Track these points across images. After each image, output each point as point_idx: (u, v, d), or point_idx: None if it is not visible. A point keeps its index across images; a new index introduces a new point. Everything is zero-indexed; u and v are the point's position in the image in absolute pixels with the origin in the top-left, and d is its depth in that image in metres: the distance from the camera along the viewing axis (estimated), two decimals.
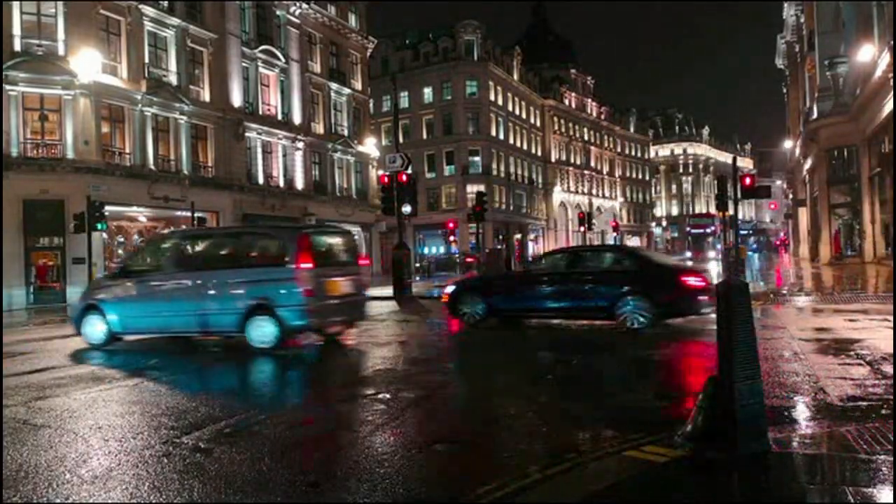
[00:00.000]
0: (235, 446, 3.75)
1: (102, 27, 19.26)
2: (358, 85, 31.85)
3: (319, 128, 28.77)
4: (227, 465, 3.43)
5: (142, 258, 8.93)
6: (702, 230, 61.28)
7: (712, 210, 48.18)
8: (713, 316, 4.12)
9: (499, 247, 40.76)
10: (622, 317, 7.80)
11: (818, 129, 20.86)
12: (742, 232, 63.14)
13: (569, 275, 8.49)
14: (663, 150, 79.91)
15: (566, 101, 57.85)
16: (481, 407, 4.76)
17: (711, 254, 42.52)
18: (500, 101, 46.74)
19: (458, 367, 6.40)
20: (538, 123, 54.28)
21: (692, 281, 7.95)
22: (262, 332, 7.03)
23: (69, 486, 3.17)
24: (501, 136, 47.07)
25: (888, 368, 5.28)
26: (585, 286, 8.22)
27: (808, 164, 25.65)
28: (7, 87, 16.92)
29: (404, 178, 15.89)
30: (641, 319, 7.71)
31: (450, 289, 9.54)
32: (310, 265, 6.91)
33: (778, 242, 49.12)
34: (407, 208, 16.25)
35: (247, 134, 24.23)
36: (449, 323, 9.51)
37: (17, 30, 17.60)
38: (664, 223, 77.68)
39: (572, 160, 59.07)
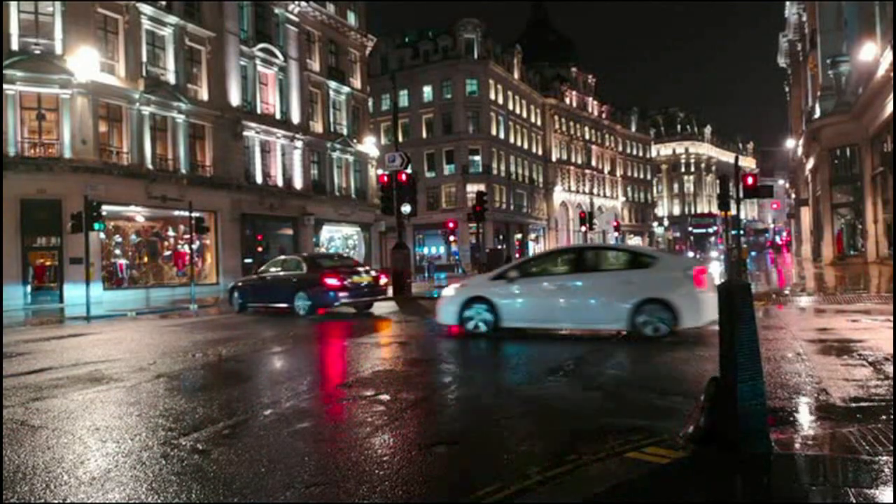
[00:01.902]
0: (234, 448, 3.73)
1: (100, 26, 19.23)
2: (357, 83, 31.81)
3: (318, 127, 28.73)
4: (225, 467, 3.41)
5: None
6: (704, 230, 61.31)
7: (714, 210, 48.18)
8: None
9: (499, 247, 40.78)
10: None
11: (820, 129, 20.81)
12: (732, 232, 63.15)
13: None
14: (665, 150, 79.88)
15: (567, 100, 57.79)
16: (481, 408, 4.74)
17: (714, 253, 42.50)
18: (500, 100, 46.69)
19: (459, 368, 6.38)
20: (539, 122, 54.22)
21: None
22: None
23: (67, 488, 3.15)
24: (502, 136, 47.02)
25: (890, 369, 5.25)
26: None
27: (810, 163, 25.61)
28: (4, 85, 16.89)
29: (404, 177, 15.87)
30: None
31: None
32: None
33: (782, 242, 49.02)
34: (406, 208, 16.23)
35: (245, 133, 24.20)
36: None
37: (14, 28, 17.58)
38: (666, 223, 77.67)
39: (573, 159, 59.03)
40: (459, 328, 8.13)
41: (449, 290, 8.66)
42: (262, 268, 14.06)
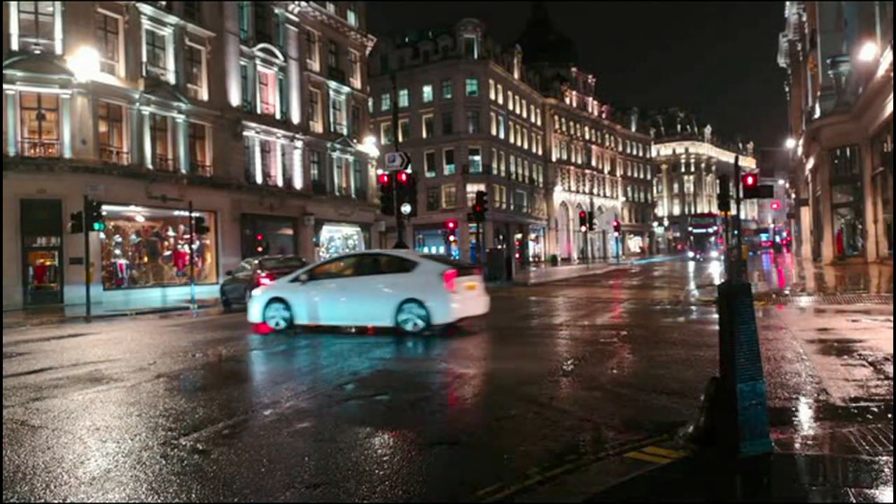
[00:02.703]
0: (234, 448, 3.73)
1: (100, 26, 19.22)
2: (357, 83, 31.80)
3: (318, 127, 28.72)
4: (225, 467, 3.41)
5: None
6: (704, 230, 61.33)
7: (714, 210, 48.12)
8: None
9: (499, 247, 40.76)
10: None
11: (820, 129, 20.81)
12: (700, 230, 62.29)
13: None
14: (665, 150, 79.87)
15: (567, 100, 57.78)
16: (481, 408, 4.74)
17: (714, 253, 42.48)
18: (500, 100, 46.68)
19: (459, 368, 6.38)
20: (539, 122, 54.21)
21: None
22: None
23: (67, 488, 3.15)
24: (502, 135, 47.02)
25: (890, 369, 5.25)
26: None
27: (810, 163, 25.60)
28: (5, 85, 16.87)
29: (404, 177, 15.85)
30: None
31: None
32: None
33: (782, 242, 48.92)
34: (406, 208, 16.22)
35: (245, 133, 24.19)
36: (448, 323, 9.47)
37: (14, 28, 17.57)
38: (666, 223, 77.67)
39: (573, 159, 59.01)
40: (265, 325, 9.07)
41: (257, 292, 9.67)
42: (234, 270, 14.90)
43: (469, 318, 8.77)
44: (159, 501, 2.96)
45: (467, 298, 8.56)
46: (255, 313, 9.19)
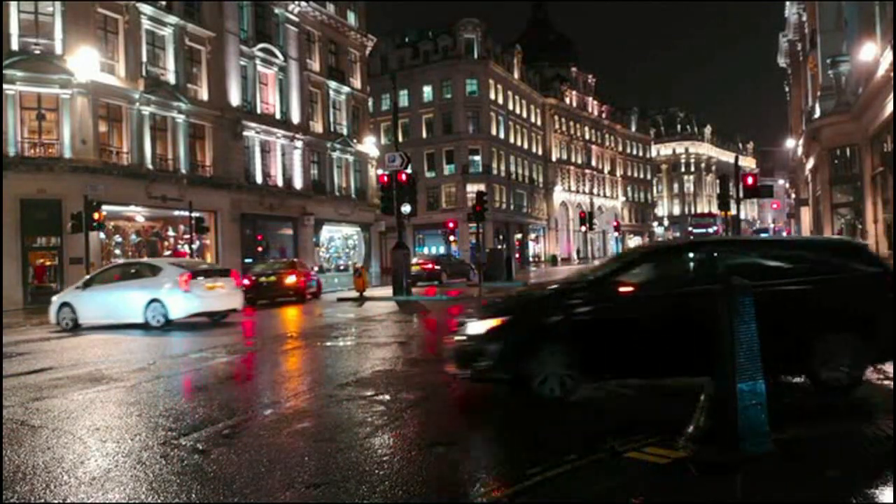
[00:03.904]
0: (234, 448, 3.73)
1: (100, 26, 19.22)
2: (357, 83, 31.80)
3: (318, 127, 28.72)
4: (225, 467, 3.41)
5: None
6: (704, 230, 61.33)
7: (714, 210, 48.16)
8: None
9: (499, 247, 40.73)
10: None
11: (820, 129, 20.79)
12: (700, 230, 62.41)
13: None
14: (665, 150, 79.84)
15: (567, 100, 57.77)
16: (482, 408, 4.74)
17: None
18: (500, 100, 46.67)
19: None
20: (539, 122, 54.20)
21: None
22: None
23: (67, 488, 3.14)
24: (502, 135, 47.01)
25: (890, 369, 5.26)
26: None
27: (810, 163, 25.60)
28: (5, 85, 16.88)
29: (404, 177, 15.86)
30: None
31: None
32: None
33: None
34: (406, 208, 16.22)
35: (245, 133, 24.19)
36: (449, 323, 9.48)
37: (14, 28, 17.57)
38: (666, 223, 77.62)
39: (573, 159, 59.01)
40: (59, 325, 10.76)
41: (55, 297, 11.35)
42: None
43: (212, 312, 10.81)
44: (159, 501, 2.96)
45: (208, 297, 10.50)
46: (52, 315, 10.86)
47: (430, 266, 22.82)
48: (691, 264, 4.81)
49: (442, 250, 38.83)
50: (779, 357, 4.28)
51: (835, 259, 4.91)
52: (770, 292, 4.38)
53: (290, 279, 15.67)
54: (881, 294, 4.61)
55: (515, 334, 4.44)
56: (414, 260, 21.38)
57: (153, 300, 10.03)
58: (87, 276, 11.65)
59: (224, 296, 10.86)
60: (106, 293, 10.55)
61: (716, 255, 4.78)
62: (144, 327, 10.07)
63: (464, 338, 4.66)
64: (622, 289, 4.52)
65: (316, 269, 23.29)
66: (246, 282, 15.12)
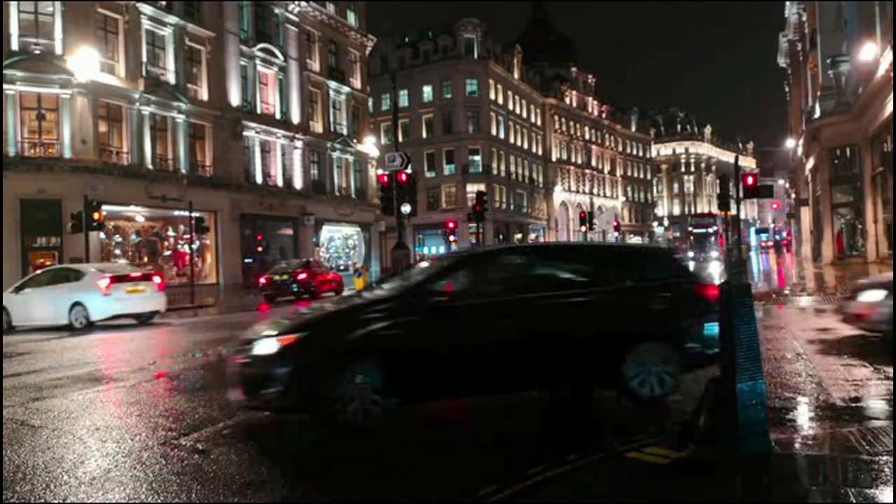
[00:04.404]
0: (234, 448, 3.73)
1: (100, 26, 19.22)
2: (357, 83, 31.80)
3: (318, 127, 28.72)
4: (225, 467, 3.40)
5: None
6: (704, 230, 61.32)
7: (714, 210, 48.18)
8: None
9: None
10: None
11: (820, 129, 20.78)
12: (700, 230, 61.97)
13: None
14: (665, 150, 79.81)
15: (567, 100, 57.75)
16: (482, 408, 4.74)
17: (714, 253, 42.51)
18: (500, 100, 46.66)
19: None
20: (539, 122, 54.19)
21: None
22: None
23: (67, 488, 3.14)
24: (502, 135, 47.00)
25: (889, 369, 5.25)
26: None
27: (810, 163, 25.58)
28: (5, 85, 16.88)
29: (404, 177, 15.86)
30: None
31: None
32: None
33: (783, 242, 48.81)
34: (406, 208, 16.22)
35: (245, 133, 24.19)
36: None
37: (14, 28, 17.58)
38: (666, 223, 77.61)
39: (573, 159, 59.00)
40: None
41: None
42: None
43: (133, 314, 11.41)
44: (159, 501, 2.96)
45: (129, 300, 11.17)
46: None
47: None
48: (509, 271, 4.62)
49: (442, 250, 38.83)
50: (588, 369, 4.24)
51: (645, 266, 4.91)
52: (577, 301, 4.35)
53: (301, 276, 17.00)
54: (690, 302, 4.57)
55: (312, 353, 3.78)
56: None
57: (76, 303, 10.73)
58: (20, 281, 12.44)
59: (146, 298, 11.57)
60: (35, 296, 11.27)
61: (529, 261, 4.77)
62: (68, 329, 10.64)
63: (250, 359, 3.92)
64: (437, 298, 4.10)
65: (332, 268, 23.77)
66: (262, 280, 17.63)
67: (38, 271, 13.81)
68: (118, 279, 11.04)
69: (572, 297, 4.41)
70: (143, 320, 11.63)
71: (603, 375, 4.31)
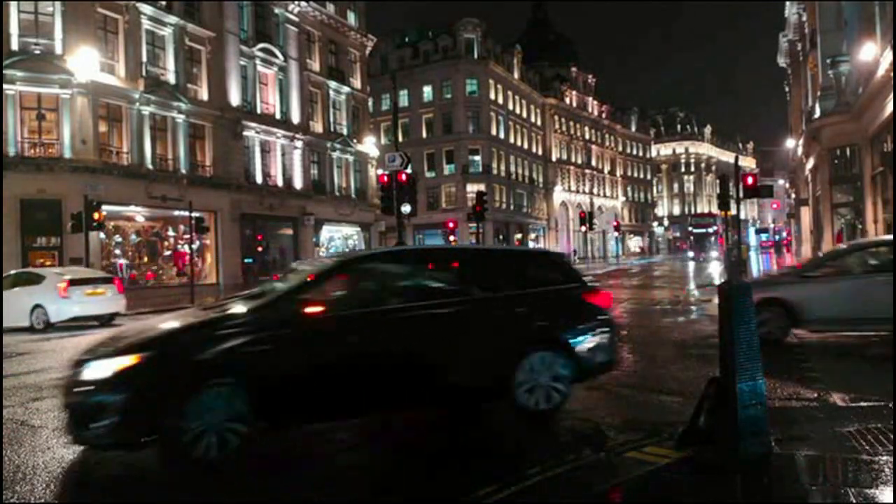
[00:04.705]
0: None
1: (100, 25, 19.21)
2: (357, 83, 31.79)
3: (318, 127, 28.71)
4: (225, 467, 3.40)
5: None
6: (704, 230, 61.31)
7: (714, 209, 48.15)
8: None
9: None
10: None
11: (820, 129, 20.77)
12: (700, 230, 61.78)
13: None
14: (665, 150, 79.82)
15: (567, 100, 57.75)
16: (481, 408, 4.73)
17: (714, 253, 42.49)
18: (500, 100, 46.66)
19: None
20: (539, 122, 54.19)
21: None
22: None
23: (67, 488, 3.14)
24: (502, 135, 47.00)
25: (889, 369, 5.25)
26: None
27: (810, 163, 25.58)
28: (5, 85, 16.87)
29: (404, 177, 15.83)
30: None
31: None
32: None
33: (784, 242, 48.75)
34: (406, 208, 16.19)
35: (245, 133, 24.19)
36: None
37: (14, 28, 17.56)
38: (666, 223, 77.62)
39: (573, 159, 59.00)
40: None
41: None
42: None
43: (93, 316, 11.53)
44: (159, 501, 2.95)
45: (87, 302, 11.43)
46: None
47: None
48: (390, 278, 4.25)
49: None
50: (474, 382, 3.93)
51: (534, 272, 4.64)
52: (461, 310, 4.02)
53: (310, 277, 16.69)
54: (578, 309, 4.43)
55: (155, 376, 3.24)
56: None
57: (37, 305, 11.19)
58: None
59: (105, 301, 11.92)
60: None
61: (411, 267, 4.43)
62: (30, 330, 11.06)
63: (80, 385, 3.35)
64: (307, 310, 3.64)
65: None
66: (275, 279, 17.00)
67: (4, 276, 14.00)
68: (76, 283, 11.47)
69: (456, 305, 4.07)
70: (104, 322, 11.85)
71: (490, 389, 4.02)
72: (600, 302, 4.56)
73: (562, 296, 4.45)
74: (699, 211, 76.04)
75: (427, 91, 45.42)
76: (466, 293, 4.22)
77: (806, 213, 30.56)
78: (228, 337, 3.46)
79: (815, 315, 6.39)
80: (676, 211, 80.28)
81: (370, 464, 3.62)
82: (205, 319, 3.82)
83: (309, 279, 4.02)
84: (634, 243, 71.54)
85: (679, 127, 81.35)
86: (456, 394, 4.01)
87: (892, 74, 12.99)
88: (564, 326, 4.30)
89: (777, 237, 52.47)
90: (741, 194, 16.21)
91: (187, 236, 20.06)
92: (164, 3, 21.13)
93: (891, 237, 9.23)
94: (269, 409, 3.43)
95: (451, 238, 31.18)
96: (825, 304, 6.32)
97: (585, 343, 4.28)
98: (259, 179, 24.92)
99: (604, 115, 64.38)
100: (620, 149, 69.15)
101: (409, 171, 16.39)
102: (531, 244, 50.45)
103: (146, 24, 20.61)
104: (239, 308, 3.83)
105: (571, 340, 4.25)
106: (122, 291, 12.52)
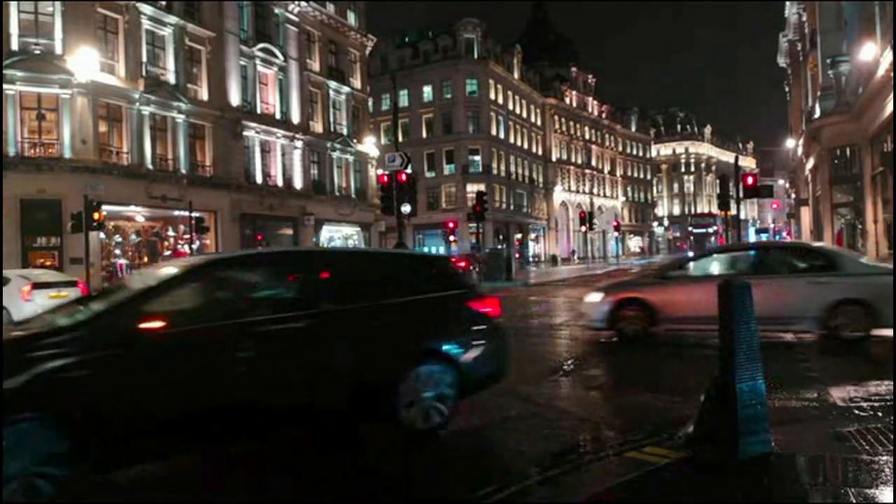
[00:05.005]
0: (232, 448, 3.71)
1: (100, 26, 19.21)
2: (357, 83, 31.80)
3: (318, 127, 28.72)
4: (224, 466, 3.39)
5: None
6: (704, 230, 61.33)
7: (714, 210, 48.15)
8: None
9: (499, 247, 40.65)
10: None
11: (820, 129, 20.78)
12: (700, 230, 61.44)
13: None
14: (665, 150, 79.83)
15: (567, 100, 57.76)
16: (481, 408, 4.73)
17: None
18: (500, 100, 46.66)
19: None
20: (539, 122, 54.20)
21: None
22: None
23: (66, 488, 3.13)
24: (502, 135, 47.01)
25: (890, 369, 5.25)
26: None
27: (810, 163, 25.58)
28: (5, 85, 16.87)
29: (404, 177, 15.84)
30: None
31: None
32: None
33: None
34: (406, 208, 16.20)
35: (245, 133, 24.19)
36: None
37: (14, 28, 17.56)
38: (666, 223, 77.63)
39: (573, 159, 59.01)
40: None
41: None
42: None
43: None
44: (160, 501, 2.95)
45: (51, 305, 11.50)
46: None
47: (462, 264, 22.33)
48: (248, 285, 3.76)
49: (442, 250, 38.84)
50: (349, 400, 3.51)
51: (414, 277, 4.26)
52: (334, 319, 3.58)
53: (324, 275, 17.14)
54: (464, 317, 4.10)
55: None
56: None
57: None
58: None
59: None
60: None
61: (275, 271, 3.88)
62: None
63: None
64: (143, 325, 3.08)
65: None
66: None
67: None
68: (40, 286, 11.62)
69: (322, 315, 3.58)
70: None
71: (369, 406, 3.61)
72: (488, 309, 4.23)
73: (445, 303, 4.09)
74: (699, 211, 76.13)
75: (427, 91, 45.42)
76: (335, 302, 3.73)
77: (806, 213, 30.55)
78: (41, 360, 2.82)
79: (665, 314, 6.97)
80: (676, 211, 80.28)
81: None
82: (12, 338, 3.16)
83: (153, 287, 3.38)
84: (634, 243, 71.55)
85: (679, 127, 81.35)
86: (324, 415, 3.57)
87: (892, 74, 12.99)
88: (447, 337, 3.94)
89: (777, 237, 52.47)
90: (741, 194, 16.21)
91: (187, 236, 20.07)
92: (164, 3, 21.13)
93: (740, 244, 10.36)
94: (95, 447, 2.84)
95: (451, 238, 31.19)
96: (676, 305, 6.90)
97: (470, 354, 3.96)
98: (259, 179, 24.92)
99: (604, 115, 64.38)
100: (620, 149, 69.15)
101: (409, 171, 16.39)
102: (531, 244, 50.51)
103: (146, 24, 20.61)
104: (61, 323, 3.20)
105: (454, 352, 3.89)
106: (86, 294, 12.60)
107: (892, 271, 6.72)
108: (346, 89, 30.50)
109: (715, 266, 7.69)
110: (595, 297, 7.88)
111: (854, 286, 6.40)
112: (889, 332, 6.16)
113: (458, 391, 3.86)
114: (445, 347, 3.90)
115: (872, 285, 6.35)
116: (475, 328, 4.11)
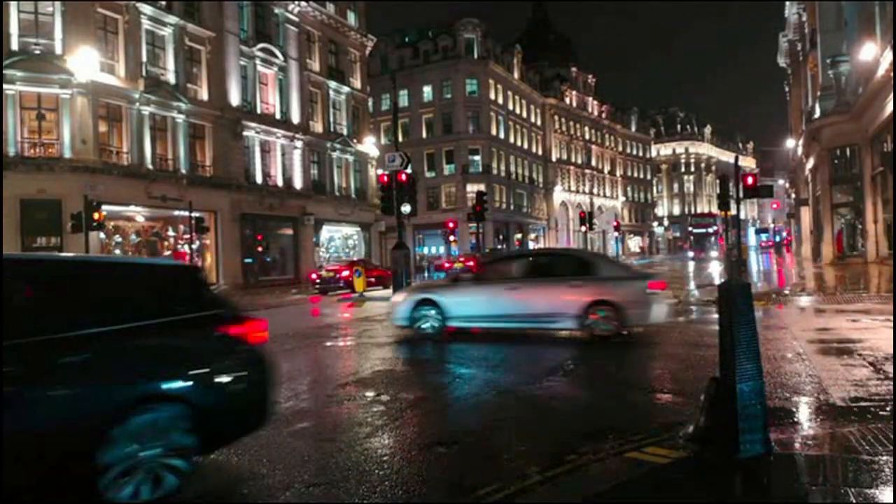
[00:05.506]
0: (232, 448, 3.72)
1: (100, 26, 19.22)
2: (357, 83, 31.80)
3: (318, 126, 28.72)
4: (224, 468, 3.40)
5: None
6: (704, 230, 61.36)
7: (714, 209, 48.12)
8: None
9: (499, 247, 40.66)
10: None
11: (820, 129, 20.79)
12: (700, 230, 61.48)
13: None
14: (665, 150, 79.82)
15: (567, 100, 57.76)
16: (481, 408, 4.73)
17: (714, 253, 42.48)
18: (500, 100, 46.66)
19: (458, 368, 6.37)
20: (539, 122, 54.19)
21: None
22: None
23: (67, 488, 3.13)
24: (502, 135, 47.00)
25: (890, 369, 5.25)
26: None
27: (810, 163, 25.59)
28: (5, 85, 16.87)
29: (404, 177, 15.83)
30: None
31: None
32: None
33: (784, 242, 48.72)
34: (406, 208, 16.19)
35: (245, 133, 24.19)
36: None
37: (14, 28, 17.57)
38: (666, 223, 77.64)
39: (573, 159, 59.00)
40: None
41: None
42: None
43: None
44: (160, 501, 2.95)
45: None
46: None
47: (471, 264, 22.12)
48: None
49: (442, 250, 38.83)
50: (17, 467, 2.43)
51: (147, 294, 3.19)
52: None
53: (344, 273, 18.95)
54: (212, 347, 3.19)
55: None
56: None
57: None
58: None
59: None
60: None
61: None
62: None
63: None
64: None
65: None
66: (313, 276, 20.25)
67: None
68: None
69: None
70: None
71: (54, 475, 2.61)
72: (247, 335, 3.28)
73: (186, 330, 3.13)
74: (699, 211, 76.13)
75: (427, 91, 45.41)
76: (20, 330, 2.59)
77: (806, 213, 30.55)
78: None
79: (454, 313, 7.89)
80: (676, 211, 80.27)
81: None
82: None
83: None
84: (634, 243, 71.53)
85: (679, 127, 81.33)
86: None
87: (891, 74, 12.99)
88: (178, 373, 2.97)
89: (777, 237, 52.47)
90: (741, 194, 16.20)
91: (187, 236, 20.07)
92: (164, 3, 21.14)
93: (519, 251, 11.35)
94: None
95: (451, 238, 31.18)
96: (460, 305, 7.87)
97: (219, 395, 3.08)
98: (259, 179, 24.93)
99: (604, 115, 64.37)
100: (620, 149, 69.14)
101: (408, 171, 16.38)
102: (531, 244, 50.49)
103: (146, 24, 20.62)
104: None
105: (190, 391, 2.95)
106: None
107: (645, 276, 8.00)
108: (346, 89, 30.50)
109: (497, 270, 8.64)
110: (399, 297, 8.72)
111: (604, 289, 7.29)
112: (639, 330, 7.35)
113: (201, 438, 2.95)
114: (176, 386, 2.94)
115: (620, 288, 7.30)
116: (227, 361, 3.21)
